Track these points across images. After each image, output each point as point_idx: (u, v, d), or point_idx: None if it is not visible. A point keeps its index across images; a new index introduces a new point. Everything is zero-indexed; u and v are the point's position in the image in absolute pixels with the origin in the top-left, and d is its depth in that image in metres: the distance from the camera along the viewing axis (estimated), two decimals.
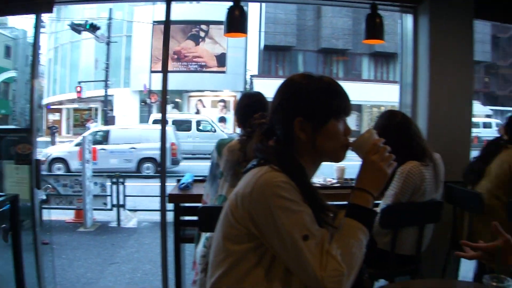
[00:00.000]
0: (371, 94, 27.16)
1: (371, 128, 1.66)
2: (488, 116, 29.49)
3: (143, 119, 28.49)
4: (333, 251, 1.42)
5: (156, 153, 14.84)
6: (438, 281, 3.12)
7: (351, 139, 1.64)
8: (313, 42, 30.34)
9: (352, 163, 1.85)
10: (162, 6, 3.90)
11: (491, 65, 35.54)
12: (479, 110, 27.68)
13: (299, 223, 1.42)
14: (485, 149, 3.55)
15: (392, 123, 3.07)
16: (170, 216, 3.79)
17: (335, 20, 29.31)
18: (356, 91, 20.13)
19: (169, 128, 16.00)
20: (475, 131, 4.12)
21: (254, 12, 28.72)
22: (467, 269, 3.96)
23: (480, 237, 1.80)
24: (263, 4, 28.05)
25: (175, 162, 15.08)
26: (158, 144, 13.96)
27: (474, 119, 4.17)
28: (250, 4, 24.91)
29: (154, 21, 26.49)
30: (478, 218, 3.34)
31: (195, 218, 3.07)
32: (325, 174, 3.86)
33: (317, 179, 3.96)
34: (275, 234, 1.43)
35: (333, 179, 4.07)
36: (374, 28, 4.02)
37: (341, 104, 1.59)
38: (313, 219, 1.45)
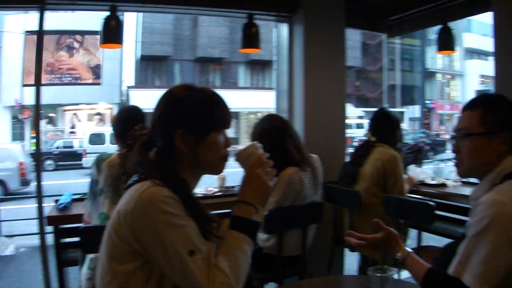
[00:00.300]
0: (248, 102, 27.55)
1: (256, 143, 1.69)
2: (360, 117, 30.97)
3: (16, 137, 26.92)
4: (220, 264, 1.43)
5: (2, 175, 13.45)
6: (326, 278, 3.23)
7: (236, 150, 1.66)
8: (189, 51, 30.24)
9: (232, 170, 1.87)
10: (35, 15, 3.70)
11: (361, 70, 37.49)
12: (352, 112, 29.03)
13: (184, 238, 1.40)
14: (356, 153, 3.72)
15: (271, 126, 3.13)
16: (50, 239, 3.61)
17: (212, 29, 29.43)
18: (233, 99, 20.34)
19: (17, 147, 15.01)
20: (349, 132, 4.31)
21: (130, 22, 28.12)
22: (351, 263, 4.13)
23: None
24: (140, 14, 27.60)
25: (25, 183, 13.63)
26: (3, 165, 12.79)
27: (347, 121, 4.37)
28: (126, 13, 24.41)
29: (26, 31, 25.03)
30: (358, 215, 3.50)
31: (77, 239, 2.94)
32: (206, 183, 3.86)
33: (199, 189, 3.95)
34: (161, 250, 1.40)
35: (214, 188, 4.07)
36: (251, 38, 4.11)
37: (222, 116, 1.61)
38: (198, 232, 1.45)
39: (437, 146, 22.29)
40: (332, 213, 3.75)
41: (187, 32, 30.00)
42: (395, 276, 1.66)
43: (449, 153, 16.01)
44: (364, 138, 3.76)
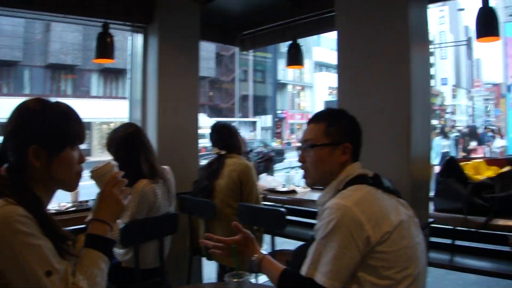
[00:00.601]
0: (101, 111, 26.84)
1: (111, 161, 1.70)
2: None
3: None
4: (79, 283, 1.41)
5: None
6: (185, 287, 3.27)
7: (91, 167, 1.66)
8: (40, 57, 28.46)
9: (85, 183, 1.85)
10: None
11: (215, 80, 38.11)
12: (205, 122, 29.39)
13: (40, 258, 1.36)
14: (209, 167, 3.76)
15: (126, 134, 3.09)
16: None
17: (65, 35, 27.97)
18: (85, 108, 19.68)
19: None
20: (202, 142, 4.33)
21: None
22: (210, 272, 4.20)
23: (218, 254, 1.97)
24: None
25: None
26: None
27: (201, 131, 4.44)
28: None
29: None
30: (213, 224, 3.57)
31: None
32: (59, 198, 3.73)
33: (51, 204, 3.77)
34: (17, 272, 1.34)
35: (67, 203, 3.92)
36: (105, 47, 4.02)
37: (77, 132, 1.59)
38: (54, 252, 1.41)
39: (276, 156, 23.09)
40: (188, 223, 3.79)
41: (38, 36, 28.21)
42: (253, 281, 1.74)
43: (287, 162, 16.62)
44: (214, 153, 3.81)
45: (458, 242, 3.69)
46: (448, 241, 3.70)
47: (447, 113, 56.47)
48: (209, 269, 4.23)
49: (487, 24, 3.50)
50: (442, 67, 58.60)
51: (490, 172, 3.56)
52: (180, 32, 4.23)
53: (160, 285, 3.18)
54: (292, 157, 16.59)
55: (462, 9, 52.31)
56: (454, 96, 61.21)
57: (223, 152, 3.72)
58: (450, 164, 3.60)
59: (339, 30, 3.30)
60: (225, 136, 3.79)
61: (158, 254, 3.14)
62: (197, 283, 3.98)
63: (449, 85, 59.25)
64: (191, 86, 4.34)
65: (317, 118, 1.95)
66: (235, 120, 36.15)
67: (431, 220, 3.20)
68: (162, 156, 3.71)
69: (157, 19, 4.14)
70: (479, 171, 3.63)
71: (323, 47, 42.55)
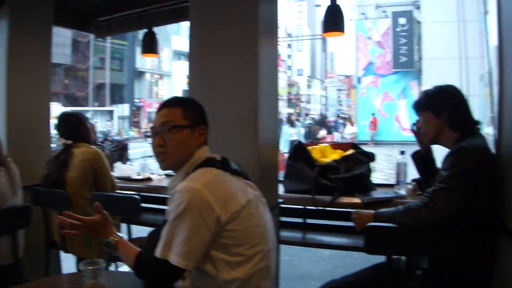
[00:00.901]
0: None
1: None
2: None
3: None
4: None
5: None
6: (43, 280, 3.19)
7: None
8: None
9: None
10: None
11: (71, 67, 36.56)
12: (60, 111, 28.06)
13: None
14: (56, 159, 3.63)
15: None
16: None
17: None
18: None
19: None
20: (56, 132, 4.19)
21: None
22: (70, 266, 4.11)
23: (71, 236, 1.97)
24: None
25: None
26: None
27: (54, 121, 4.29)
28: None
29: None
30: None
31: None
32: None
33: None
34: None
35: None
36: None
37: None
38: None
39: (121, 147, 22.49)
40: (42, 216, 3.68)
41: None
42: (112, 269, 1.77)
43: (133, 153, 16.32)
44: (60, 144, 3.71)
45: (309, 221, 3.96)
46: (300, 220, 3.95)
47: (302, 102, 59.23)
48: (69, 263, 4.14)
49: (334, 20, 3.79)
50: (299, 59, 61.31)
51: (335, 155, 3.81)
52: (32, 16, 4.02)
53: (16, 282, 3.07)
54: (136, 148, 16.21)
55: (319, 5, 54.95)
56: (309, 86, 64.30)
57: (69, 142, 3.62)
58: (298, 148, 3.81)
59: (191, 20, 3.36)
60: (72, 125, 3.69)
61: (12, 250, 3.02)
62: (56, 275, 3.87)
63: (304, 75, 62.21)
64: (43, 73, 4.16)
65: (170, 104, 2.02)
66: (90, 109, 35.02)
67: (280, 200, 3.40)
68: (12, 147, 3.56)
69: (7, 1, 3.92)
70: (325, 154, 3.87)
71: (182, 36, 42.42)
